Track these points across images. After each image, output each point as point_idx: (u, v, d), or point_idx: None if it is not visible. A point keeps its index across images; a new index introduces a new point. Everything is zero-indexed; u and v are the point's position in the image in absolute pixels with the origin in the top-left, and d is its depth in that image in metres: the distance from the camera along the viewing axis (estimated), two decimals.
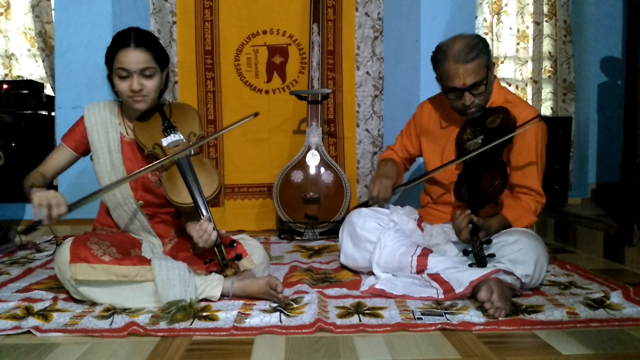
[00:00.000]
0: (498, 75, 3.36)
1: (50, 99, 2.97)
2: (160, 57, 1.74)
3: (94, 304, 1.57)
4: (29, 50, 3.34)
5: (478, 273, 1.58)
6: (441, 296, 1.61)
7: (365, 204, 2.06)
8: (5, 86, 2.92)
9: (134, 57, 1.65)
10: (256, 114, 1.71)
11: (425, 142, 2.08)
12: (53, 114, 2.93)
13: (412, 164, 2.28)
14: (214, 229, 1.62)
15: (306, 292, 1.65)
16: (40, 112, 3.00)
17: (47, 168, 1.78)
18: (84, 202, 1.59)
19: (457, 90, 1.82)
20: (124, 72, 1.66)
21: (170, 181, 1.69)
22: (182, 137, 1.75)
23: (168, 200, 1.69)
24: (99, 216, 1.89)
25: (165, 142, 1.73)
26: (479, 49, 1.78)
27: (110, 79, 1.75)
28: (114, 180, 1.73)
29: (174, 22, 2.97)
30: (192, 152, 1.73)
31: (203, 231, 1.60)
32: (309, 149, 2.77)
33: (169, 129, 1.75)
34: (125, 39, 1.67)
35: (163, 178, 1.71)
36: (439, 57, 1.84)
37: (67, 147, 1.80)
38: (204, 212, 1.63)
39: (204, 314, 1.49)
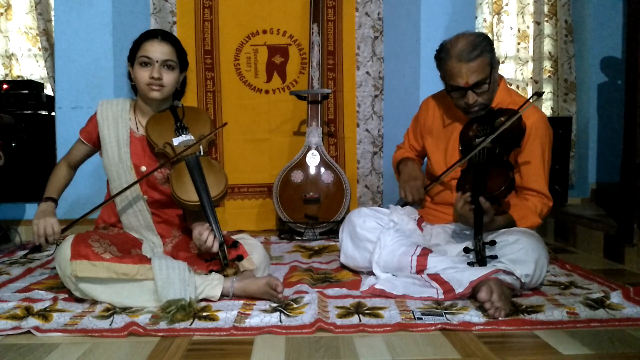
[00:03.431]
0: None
1: (50, 99, 2.97)
2: (182, 57, 1.85)
3: (94, 303, 1.58)
4: (29, 50, 3.34)
5: (478, 273, 1.57)
6: (441, 296, 1.61)
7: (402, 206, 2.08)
8: (5, 86, 2.92)
9: (159, 48, 1.77)
10: (225, 124, 1.98)
11: (428, 140, 2.07)
12: (53, 114, 2.93)
13: (424, 159, 2.26)
14: (218, 230, 1.66)
15: (306, 292, 1.65)
16: (40, 112, 2.99)
17: (70, 158, 1.93)
18: (76, 222, 1.78)
19: (460, 89, 1.82)
20: (147, 59, 1.76)
21: (178, 179, 1.72)
22: (193, 138, 1.79)
23: (174, 197, 1.70)
24: (102, 214, 1.91)
25: (176, 141, 1.77)
26: (482, 47, 1.77)
27: (129, 76, 1.85)
28: (121, 174, 1.80)
29: (174, 22, 2.97)
30: (202, 153, 1.77)
31: (203, 242, 1.65)
32: (309, 149, 2.77)
33: (180, 129, 1.80)
34: (153, 33, 1.82)
35: (171, 176, 1.74)
36: (442, 56, 1.84)
37: (83, 139, 1.89)
38: (210, 219, 1.67)
39: (204, 314, 1.49)
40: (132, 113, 1.88)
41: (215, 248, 1.64)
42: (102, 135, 1.83)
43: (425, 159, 2.15)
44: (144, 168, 1.81)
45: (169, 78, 1.78)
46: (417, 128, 2.15)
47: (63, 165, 1.91)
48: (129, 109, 1.87)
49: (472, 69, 1.77)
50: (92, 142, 1.88)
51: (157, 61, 1.75)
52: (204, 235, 1.64)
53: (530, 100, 1.77)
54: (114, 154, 1.81)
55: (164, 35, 1.80)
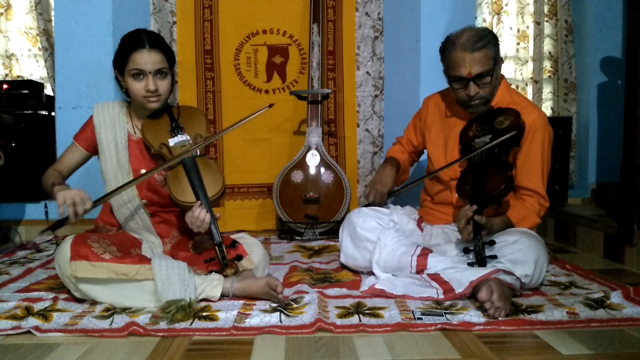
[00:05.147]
0: None
1: (50, 99, 2.97)
2: (170, 58, 1.78)
3: (94, 303, 1.58)
4: (29, 50, 3.34)
5: (478, 273, 1.58)
6: (441, 296, 1.61)
7: (366, 206, 2.07)
8: (5, 86, 2.92)
9: (150, 58, 1.69)
10: (271, 105, 1.79)
11: (428, 137, 2.08)
12: (53, 114, 2.93)
13: (420, 157, 2.27)
14: (217, 230, 1.64)
15: (306, 292, 1.65)
16: (40, 112, 2.99)
17: (62, 166, 1.83)
18: (107, 198, 1.70)
19: (462, 80, 1.82)
20: (139, 72, 1.70)
21: (175, 180, 1.71)
22: (188, 138, 1.78)
23: (172, 198, 1.70)
24: (101, 214, 1.91)
25: (172, 142, 1.76)
26: (487, 40, 1.79)
27: (118, 80, 1.80)
28: (119, 178, 1.77)
29: (174, 22, 2.96)
30: (198, 153, 1.76)
31: (195, 217, 1.62)
32: (309, 149, 2.77)
33: (176, 129, 1.78)
34: (138, 40, 1.70)
35: (168, 177, 1.74)
36: (447, 47, 1.85)
37: (79, 145, 1.84)
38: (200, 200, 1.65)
39: (204, 314, 1.49)
40: (127, 116, 1.86)
41: (208, 219, 1.62)
42: (100, 139, 1.80)
43: (423, 157, 2.15)
44: (143, 171, 1.80)
45: (163, 85, 1.74)
46: (417, 125, 2.15)
47: (53, 171, 1.80)
48: (125, 112, 1.85)
49: (475, 60, 1.77)
50: (91, 149, 1.84)
51: (149, 72, 1.69)
52: (196, 211, 1.62)
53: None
54: (112, 158, 1.80)
55: (151, 42, 1.70)
